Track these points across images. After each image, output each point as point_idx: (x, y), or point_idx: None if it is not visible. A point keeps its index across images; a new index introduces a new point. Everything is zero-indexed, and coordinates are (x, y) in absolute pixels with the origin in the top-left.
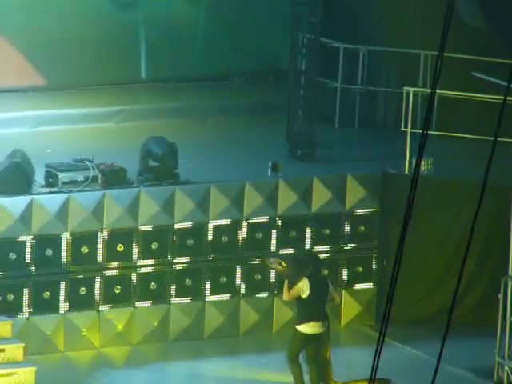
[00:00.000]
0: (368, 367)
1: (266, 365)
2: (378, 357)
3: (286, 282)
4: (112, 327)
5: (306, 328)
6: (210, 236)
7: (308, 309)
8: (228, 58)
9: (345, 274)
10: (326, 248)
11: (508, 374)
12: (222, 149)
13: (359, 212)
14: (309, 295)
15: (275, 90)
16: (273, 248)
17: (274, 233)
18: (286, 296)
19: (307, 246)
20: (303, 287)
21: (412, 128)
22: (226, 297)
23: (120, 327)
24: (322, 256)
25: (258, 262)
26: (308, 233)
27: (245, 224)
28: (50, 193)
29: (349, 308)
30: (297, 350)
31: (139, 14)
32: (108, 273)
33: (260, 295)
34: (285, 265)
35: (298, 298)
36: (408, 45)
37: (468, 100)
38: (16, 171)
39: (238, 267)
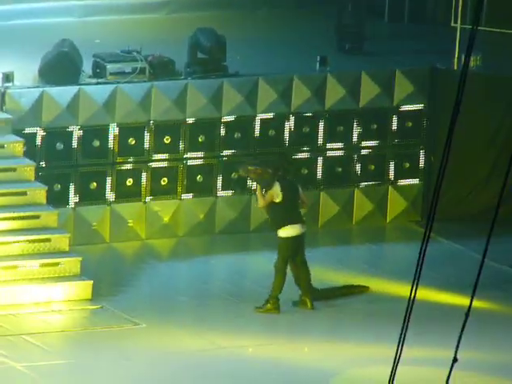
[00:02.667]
0: (413, 262)
1: (312, 259)
2: (424, 252)
3: (259, 188)
4: (158, 219)
5: (288, 231)
6: (258, 130)
7: (284, 213)
8: None
9: (391, 169)
10: (372, 143)
11: None
12: (270, 42)
13: (407, 107)
14: (282, 199)
15: None
16: (320, 142)
17: (321, 127)
18: (261, 203)
19: (354, 141)
20: (276, 191)
21: (462, 23)
22: None
23: (166, 219)
24: (367, 152)
25: (304, 157)
26: (355, 127)
27: (292, 118)
28: (98, 83)
29: (395, 204)
30: (285, 256)
31: None
32: (155, 164)
33: (307, 190)
34: (260, 171)
35: (272, 204)
36: None
37: None
38: (64, 60)
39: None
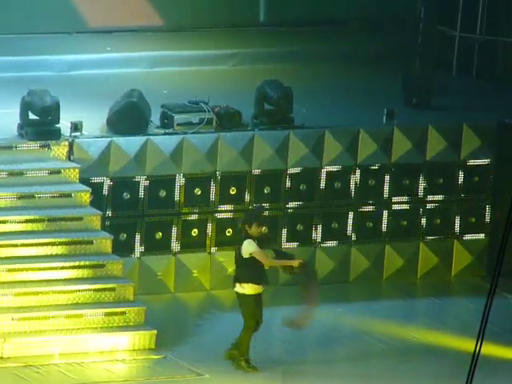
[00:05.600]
0: (478, 317)
1: (376, 312)
2: (489, 308)
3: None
4: (223, 269)
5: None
6: (323, 182)
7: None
8: (345, 2)
9: (457, 224)
10: (439, 197)
11: None
12: (336, 94)
13: (474, 162)
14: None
15: (391, 37)
16: (385, 195)
17: (387, 180)
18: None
19: (420, 194)
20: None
21: None
22: (336, 243)
23: (231, 270)
24: (433, 206)
25: (370, 210)
26: (421, 181)
27: (358, 170)
28: (165, 134)
29: (460, 258)
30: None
31: None
32: (220, 215)
33: (371, 243)
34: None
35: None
36: None
37: None
38: (132, 111)
39: (350, 214)
